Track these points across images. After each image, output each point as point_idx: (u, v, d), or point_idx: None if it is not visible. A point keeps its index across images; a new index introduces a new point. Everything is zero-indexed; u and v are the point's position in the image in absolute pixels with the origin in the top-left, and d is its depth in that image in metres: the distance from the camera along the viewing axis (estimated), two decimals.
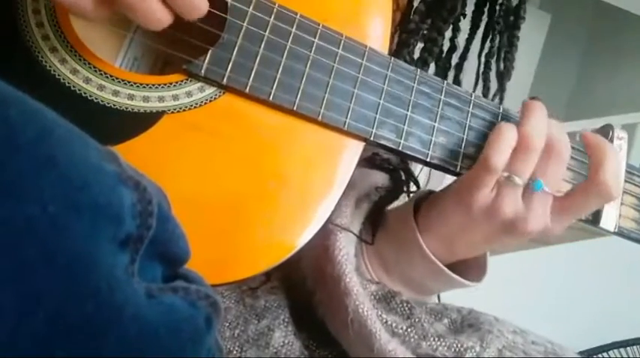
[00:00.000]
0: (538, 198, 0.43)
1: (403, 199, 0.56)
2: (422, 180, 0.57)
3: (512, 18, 0.55)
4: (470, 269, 0.50)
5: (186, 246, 0.28)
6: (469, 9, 0.56)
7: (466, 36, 0.58)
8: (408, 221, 0.48)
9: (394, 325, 0.44)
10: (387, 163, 0.56)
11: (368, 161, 0.55)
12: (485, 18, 0.56)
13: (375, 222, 0.52)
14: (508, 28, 0.55)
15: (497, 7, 0.55)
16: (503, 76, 0.55)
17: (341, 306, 0.44)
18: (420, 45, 0.54)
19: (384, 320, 0.44)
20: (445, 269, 0.47)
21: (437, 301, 0.53)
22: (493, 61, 0.56)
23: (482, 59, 0.56)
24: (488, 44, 0.56)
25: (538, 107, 0.44)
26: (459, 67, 0.57)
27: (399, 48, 0.51)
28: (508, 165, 0.42)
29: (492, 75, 0.56)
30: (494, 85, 0.55)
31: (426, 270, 0.48)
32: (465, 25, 0.57)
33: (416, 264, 0.48)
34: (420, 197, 0.51)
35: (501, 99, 0.55)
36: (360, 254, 0.50)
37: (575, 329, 1.83)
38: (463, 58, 0.57)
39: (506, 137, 0.42)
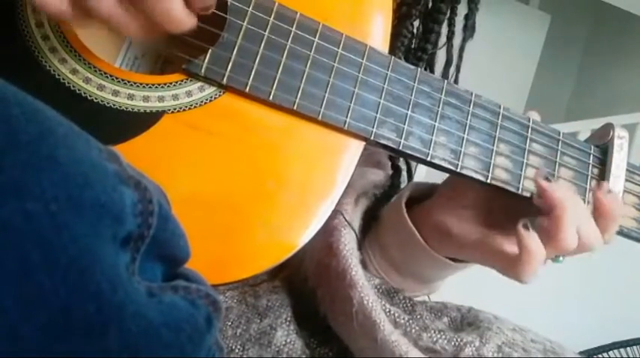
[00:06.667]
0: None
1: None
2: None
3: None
4: None
5: (187, 246, 0.28)
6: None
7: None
8: (405, 222, 0.49)
9: (396, 315, 0.45)
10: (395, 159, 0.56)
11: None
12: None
13: (369, 220, 0.53)
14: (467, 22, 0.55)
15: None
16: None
17: (346, 299, 0.44)
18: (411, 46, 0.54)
19: (387, 310, 0.45)
20: (451, 263, 0.48)
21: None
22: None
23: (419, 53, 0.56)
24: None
25: (566, 202, 0.42)
26: (432, 58, 0.57)
27: (396, 37, 0.51)
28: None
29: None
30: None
31: (433, 264, 0.49)
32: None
33: (422, 260, 0.49)
34: (414, 191, 0.52)
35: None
36: (365, 251, 0.51)
37: (575, 329, 1.83)
38: (435, 45, 0.57)
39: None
